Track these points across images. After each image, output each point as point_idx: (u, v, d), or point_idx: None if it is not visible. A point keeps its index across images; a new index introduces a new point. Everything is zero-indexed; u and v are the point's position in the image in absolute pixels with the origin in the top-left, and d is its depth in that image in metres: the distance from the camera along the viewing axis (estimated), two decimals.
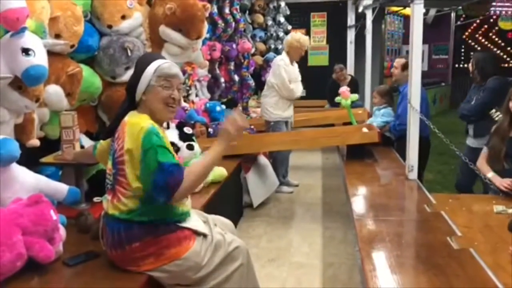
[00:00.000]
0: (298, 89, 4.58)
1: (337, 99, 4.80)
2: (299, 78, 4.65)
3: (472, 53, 3.85)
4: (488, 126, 3.09)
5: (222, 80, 5.46)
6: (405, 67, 3.73)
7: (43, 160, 2.43)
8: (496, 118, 3.30)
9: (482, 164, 2.72)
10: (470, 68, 3.62)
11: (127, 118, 1.83)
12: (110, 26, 2.65)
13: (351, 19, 7.83)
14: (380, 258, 1.88)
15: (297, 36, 4.54)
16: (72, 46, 2.38)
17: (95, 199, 2.45)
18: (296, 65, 4.68)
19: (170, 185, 1.66)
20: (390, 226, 2.23)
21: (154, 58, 1.89)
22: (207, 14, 3.02)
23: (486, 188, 3.51)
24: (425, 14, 11.39)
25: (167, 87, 1.82)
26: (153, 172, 1.66)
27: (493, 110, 3.40)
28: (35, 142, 2.26)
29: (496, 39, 15.24)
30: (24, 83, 1.97)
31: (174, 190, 1.67)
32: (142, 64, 1.86)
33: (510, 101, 2.52)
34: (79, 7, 2.41)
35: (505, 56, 15.24)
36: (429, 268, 1.74)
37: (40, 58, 1.96)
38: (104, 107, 2.81)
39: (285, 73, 4.42)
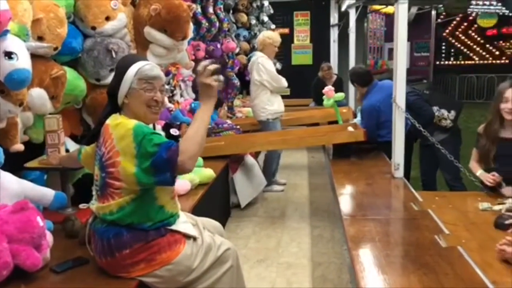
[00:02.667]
0: (284, 79, 4.66)
1: (324, 102, 4.80)
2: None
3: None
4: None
5: None
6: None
7: (28, 164, 2.39)
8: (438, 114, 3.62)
9: (473, 164, 2.76)
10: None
11: (108, 121, 1.81)
12: (94, 28, 2.60)
13: (334, 18, 7.88)
14: (369, 258, 1.89)
15: (267, 33, 4.77)
16: (55, 49, 2.32)
17: (81, 206, 2.41)
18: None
19: (170, 159, 1.61)
20: (378, 225, 2.25)
21: (135, 60, 1.86)
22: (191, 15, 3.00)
23: (449, 185, 3.70)
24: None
25: (149, 90, 1.80)
26: (152, 155, 1.62)
27: (436, 108, 3.62)
28: (19, 147, 2.22)
29: (476, 36, 15.50)
30: (6, 87, 1.93)
31: (174, 161, 1.61)
32: (122, 67, 1.83)
33: (501, 102, 2.54)
34: (62, 8, 2.36)
35: (484, 53, 15.52)
36: (418, 267, 1.75)
37: (23, 62, 1.91)
38: (89, 109, 2.77)
39: (269, 65, 4.52)
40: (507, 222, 2.10)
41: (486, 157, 2.64)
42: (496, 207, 2.36)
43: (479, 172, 2.65)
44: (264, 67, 4.48)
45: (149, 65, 1.84)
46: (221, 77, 1.73)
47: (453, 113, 3.63)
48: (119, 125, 1.73)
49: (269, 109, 4.53)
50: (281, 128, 4.69)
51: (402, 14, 2.80)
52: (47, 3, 2.27)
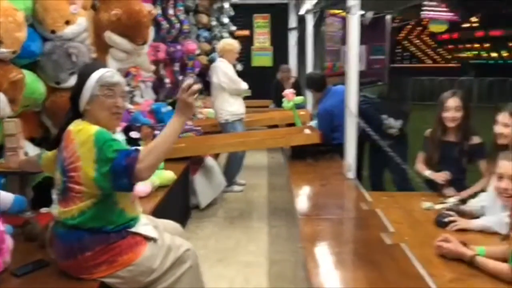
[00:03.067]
0: (244, 83, 4.79)
1: (283, 104, 4.95)
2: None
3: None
4: None
5: (167, 80, 5.46)
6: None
7: None
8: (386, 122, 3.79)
9: (419, 165, 2.95)
10: None
11: (71, 127, 1.85)
12: (53, 32, 2.61)
13: (292, 22, 8.07)
14: (322, 256, 2.03)
15: (227, 40, 5.01)
16: (14, 52, 2.33)
17: (42, 210, 2.42)
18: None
19: (128, 165, 1.65)
20: (330, 224, 2.40)
21: (96, 67, 1.91)
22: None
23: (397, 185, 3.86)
24: (363, 15, 11.94)
25: (111, 96, 1.86)
26: (111, 161, 1.67)
27: (385, 116, 3.77)
28: None
29: (428, 40, 16.20)
30: None
31: (132, 168, 1.64)
32: (83, 75, 1.89)
33: (443, 111, 2.75)
34: (20, 12, 2.36)
35: (436, 57, 16.23)
36: (365, 264, 1.90)
37: None
38: (48, 112, 2.77)
39: (227, 69, 4.64)
40: (446, 220, 2.29)
41: (430, 159, 2.84)
42: (438, 206, 2.53)
43: (428, 172, 2.84)
44: (222, 70, 4.62)
45: (110, 72, 1.90)
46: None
47: (400, 122, 3.80)
48: (81, 131, 1.78)
49: (228, 110, 4.65)
50: (242, 129, 4.78)
51: (353, 24, 2.96)
52: (5, 7, 2.27)
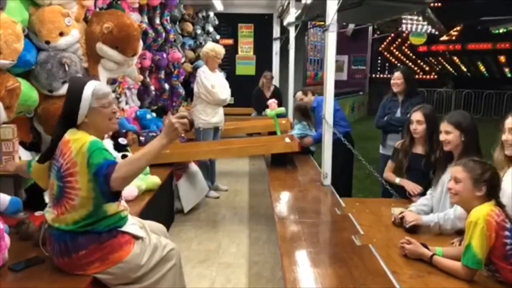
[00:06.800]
0: (224, 93, 4.87)
1: (267, 112, 5.18)
2: (226, 84, 4.99)
3: (399, 66, 3.83)
4: None
5: (152, 88, 5.62)
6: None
7: None
8: None
9: (388, 174, 3.16)
10: (398, 81, 3.89)
11: (68, 136, 1.98)
12: (48, 42, 2.76)
13: (276, 32, 8.30)
14: (296, 254, 2.21)
15: (210, 45, 4.94)
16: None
17: (37, 214, 2.55)
18: (219, 73, 5.05)
19: (107, 174, 1.80)
20: (306, 227, 2.58)
21: (84, 82, 2.03)
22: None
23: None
24: (345, 27, 12.25)
25: (108, 105, 2.03)
26: (97, 166, 1.83)
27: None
28: None
29: (408, 52, 16.61)
30: None
31: (109, 176, 1.80)
32: (75, 91, 1.99)
33: (411, 123, 2.98)
34: (19, 25, 2.50)
35: (416, 68, 16.63)
36: (335, 262, 2.10)
37: None
38: (40, 118, 2.90)
39: (206, 80, 4.74)
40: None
41: (399, 168, 3.06)
42: (401, 211, 2.73)
43: (398, 180, 3.05)
44: (201, 81, 4.74)
45: (99, 84, 2.07)
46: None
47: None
48: (79, 140, 1.93)
49: (202, 119, 4.81)
50: (213, 138, 4.91)
51: (331, 41, 3.16)
52: (4, 20, 2.41)
